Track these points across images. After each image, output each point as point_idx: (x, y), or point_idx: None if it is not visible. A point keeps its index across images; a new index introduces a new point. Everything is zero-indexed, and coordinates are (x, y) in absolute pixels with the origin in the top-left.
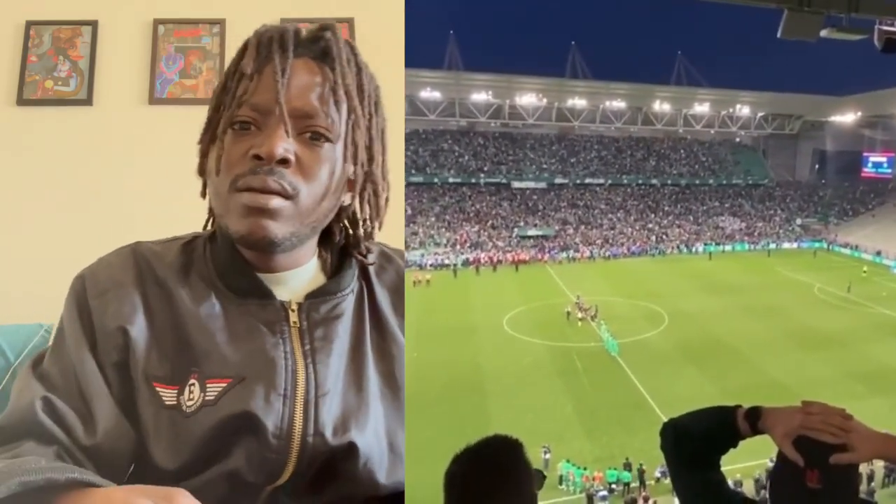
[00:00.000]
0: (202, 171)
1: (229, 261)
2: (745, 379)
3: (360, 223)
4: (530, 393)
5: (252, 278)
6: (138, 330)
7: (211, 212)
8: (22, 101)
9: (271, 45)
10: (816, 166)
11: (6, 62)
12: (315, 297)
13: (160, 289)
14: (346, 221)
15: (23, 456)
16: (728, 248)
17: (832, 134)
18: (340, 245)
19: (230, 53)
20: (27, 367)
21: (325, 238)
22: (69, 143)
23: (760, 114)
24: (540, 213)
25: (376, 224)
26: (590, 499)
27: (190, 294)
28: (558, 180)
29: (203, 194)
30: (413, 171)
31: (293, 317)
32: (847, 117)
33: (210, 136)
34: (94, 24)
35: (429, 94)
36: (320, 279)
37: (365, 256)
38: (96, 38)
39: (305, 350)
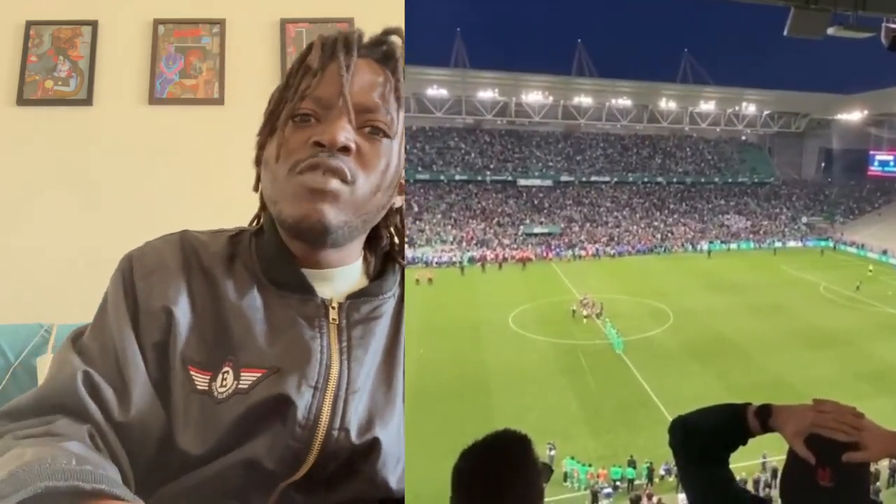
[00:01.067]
0: (259, 161)
1: (275, 254)
2: (750, 377)
3: (404, 228)
4: (535, 390)
5: (296, 273)
6: (181, 312)
7: (260, 208)
8: (22, 101)
9: (336, 45)
10: (822, 164)
11: (6, 62)
12: (357, 297)
13: (204, 276)
14: (392, 229)
15: (56, 433)
16: (733, 246)
17: (838, 132)
18: (385, 250)
19: (230, 53)
20: (67, 341)
21: (372, 241)
22: (69, 143)
23: (766, 112)
24: (546, 211)
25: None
26: (594, 496)
27: (233, 284)
28: (564, 178)
29: (256, 188)
30: (420, 169)
31: (332, 314)
32: (853, 115)
33: (269, 129)
34: (94, 24)
35: (435, 91)
36: (363, 282)
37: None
38: (96, 38)
39: (342, 346)
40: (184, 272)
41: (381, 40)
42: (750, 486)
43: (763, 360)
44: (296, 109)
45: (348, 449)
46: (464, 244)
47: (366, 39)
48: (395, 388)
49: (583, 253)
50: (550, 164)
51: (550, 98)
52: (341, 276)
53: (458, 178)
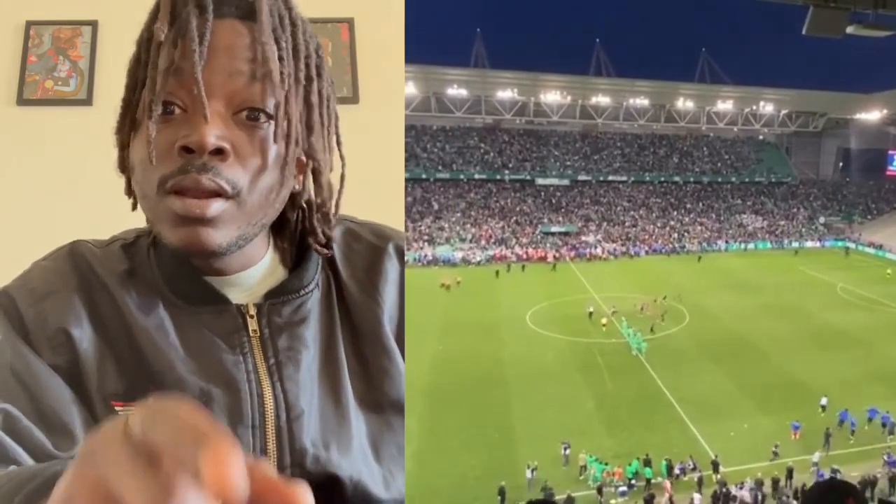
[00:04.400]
0: (122, 167)
1: (175, 267)
2: (764, 377)
3: (315, 208)
4: (551, 387)
5: (202, 284)
6: (85, 336)
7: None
8: (22, 101)
9: (187, 4)
10: (840, 164)
11: (6, 62)
12: (275, 296)
13: (105, 293)
14: (303, 206)
15: None
16: (750, 246)
17: (857, 132)
18: (299, 233)
19: None
20: None
21: (281, 226)
22: (69, 143)
23: (784, 111)
24: (563, 210)
25: (331, 206)
26: (599, 491)
27: (137, 302)
28: (581, 177)
29: (128, 193)
30: (440, 168)
31: (252, 324)
32: (872, 115)
33: (129, 124)
34: (94, 24)
35: (455, 91)
36: (280, 273)
37: (324, 245)
38: (96, 38)
39: (270, 365)
40: (81, 293)
41: None
42: (767, 486)
43: (779, 359)
44: (155, 97)
45: (309, 482)
46: (482, 242)
47: None
48: (345, 399)
49: (599, 252)
50: (568, 163)
51: (568, 98)
52: (251, 277)
53: (477, 177)
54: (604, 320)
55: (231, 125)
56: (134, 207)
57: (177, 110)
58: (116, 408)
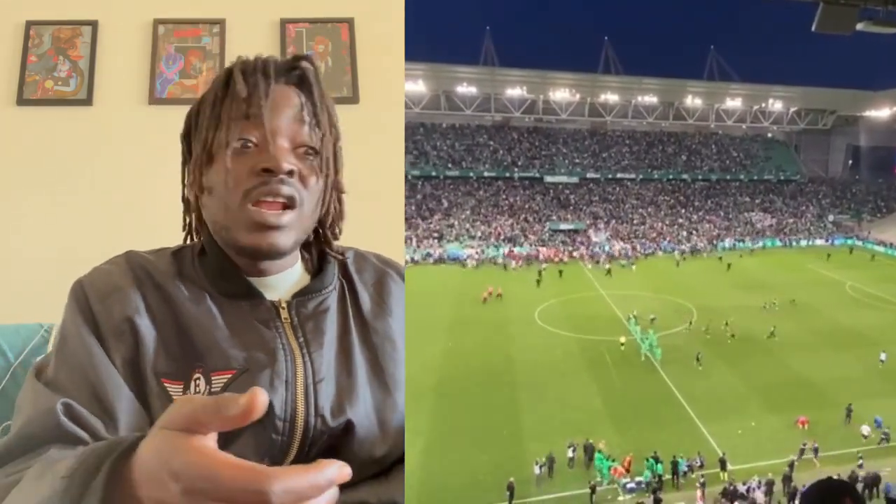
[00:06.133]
0: (201, 189)
1: (220, 268)
2: (773, 375)
3: (328, 225)
4: (559, 384)
5: (243, 282)
6: (144, 325)
7: (188, 226)
8: (22, 101)
9: (256, 72)
10: (850, 162)
11: (6, 62)
12: (302, 295)
13: (158, 291)
14: (318, 228)
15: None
16: (758, 244)
17: (866, 129)
18: (319, 248)
19: (230, 53)
20: (31, 377)
21: (305, 242)
22: (69, 143)
23: (793, 109)
24: (572, 208)
25: (341, 224)
26: (593, 490)
27: (187, 296)
28: (590, 175)
29: (188, 212)
30: (450, 166)
31: (284, 314)
32: (882, 112)
33: (207, 157)
34: (94, 24)
35: (465, 89)
36: (305, 279)
37: (339, 253)
38: (96, 38)
39: (300, 342)
40: (138, 289)
41: (293, 65)
42: (778, 484)
43: (786, 357)
44: (235, 136)
45: (326, 431)
46: (492, 240)
47: (280, 63)
48: (356, 373)
49: (615, 254)
50: (577, 160)
51: (577, 95)
52: (284, 280)
53: (486, 174)
54: (622, 339)
55: (293, 156)
56: (187, 214)
57: (251, 145)
58: (165, 385)
